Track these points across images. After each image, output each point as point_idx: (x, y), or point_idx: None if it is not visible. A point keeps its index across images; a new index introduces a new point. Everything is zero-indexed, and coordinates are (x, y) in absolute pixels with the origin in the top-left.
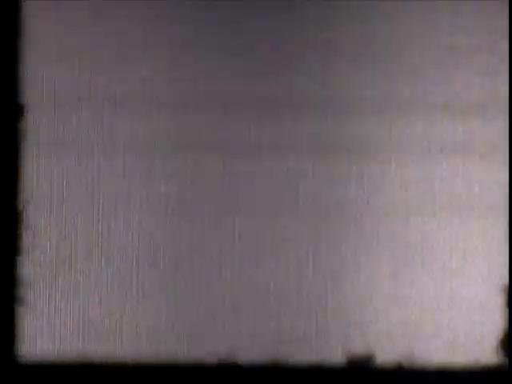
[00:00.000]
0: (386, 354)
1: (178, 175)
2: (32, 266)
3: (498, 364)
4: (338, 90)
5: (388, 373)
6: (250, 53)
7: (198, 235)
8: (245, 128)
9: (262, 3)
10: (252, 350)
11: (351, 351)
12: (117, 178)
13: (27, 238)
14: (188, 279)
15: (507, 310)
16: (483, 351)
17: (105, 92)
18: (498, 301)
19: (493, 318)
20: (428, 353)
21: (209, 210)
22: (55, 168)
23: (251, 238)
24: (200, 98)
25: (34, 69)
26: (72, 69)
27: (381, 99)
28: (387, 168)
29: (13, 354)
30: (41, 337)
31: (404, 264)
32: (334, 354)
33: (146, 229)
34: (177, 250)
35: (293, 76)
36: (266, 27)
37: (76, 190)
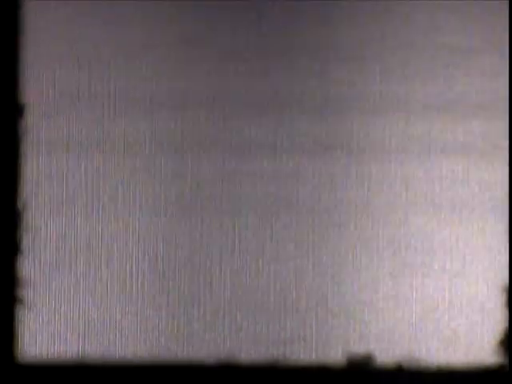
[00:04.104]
0: (386, 354)
1: (178, 175)
2: (32, 266)
3: (497, 364)
4: (338, 90)
5: (388, 373)
6: (250, 53)
7: (198, 235)
8: (245, 128)
9: (262, 3)
10: (252, 350)
11: (351, 351)
12: (117, 177)
13: (27, 238)
14: (188, 279)
15: (507, 310)
16: (483, 351)
17: (105, 92)
18: (498, 301)
19: (493, 318)
20: (428, 353)
21: (209, 209)
22: (55, 168)
23: (251, 238)
24: (200, 98)
25: (34, 69)
26: (72, 69)
27: (381, 99)
28: (387, 168)
29: (13, 354)
30: (41, 337)
31: (404, 264)
32: (334, 354)
33: (146, 228)
34: (177, 250)
35: (293, 76)
36: (266, 27)
37: (76, 189)
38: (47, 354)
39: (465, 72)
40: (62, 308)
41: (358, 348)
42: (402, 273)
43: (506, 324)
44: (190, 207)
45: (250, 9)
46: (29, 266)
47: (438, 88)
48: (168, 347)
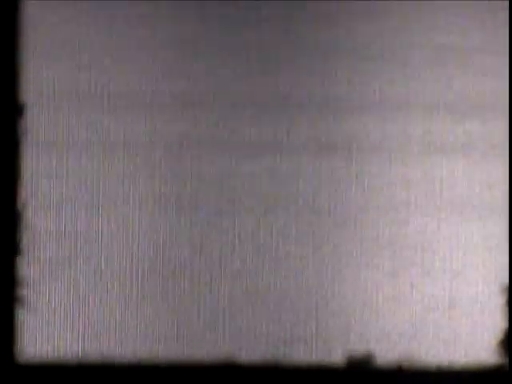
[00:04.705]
0: (386, 354)
1: (178, 175)
2: (32, 266)
3: (497, 364)
4: (338, 90)
5: (388, 373)
6: (250, 53)
7: (198, 235)
8: (245, 128)
9: (261, 3)
10: (252, 350)
11: (351, 351)
12: (116, 177)
13: (27, 238)
14: (188, 279)
15: (507, 310)
16: (483, 351)
17: (104, 92)
18: (498, 301)
19: (493, 318)
20: (428, 353)
21: (209, 210)
22: (55, 168)
23: (251, 237)
24: (200, 98)
25: (33, 69)
26: (72, 69)
27: (381, 99)
28: (387, 168)
29: (13, 354)
30: (40, 337)
31: (404, 264)
32: (334, 354)
33: (146, 228)
34: (177, 250)
35: (293, 76)
36: (265, 27)
37: (76, 189)
38: (47, 354)
39: (465, 72)
40: (62, 308)
41: (358, 348)
42: (402, 273)
43: (506, 324)
44: (189, 207)
45: (250, 9)
46: (29, 266)
47: (438, 88)
48: (168, 347)
